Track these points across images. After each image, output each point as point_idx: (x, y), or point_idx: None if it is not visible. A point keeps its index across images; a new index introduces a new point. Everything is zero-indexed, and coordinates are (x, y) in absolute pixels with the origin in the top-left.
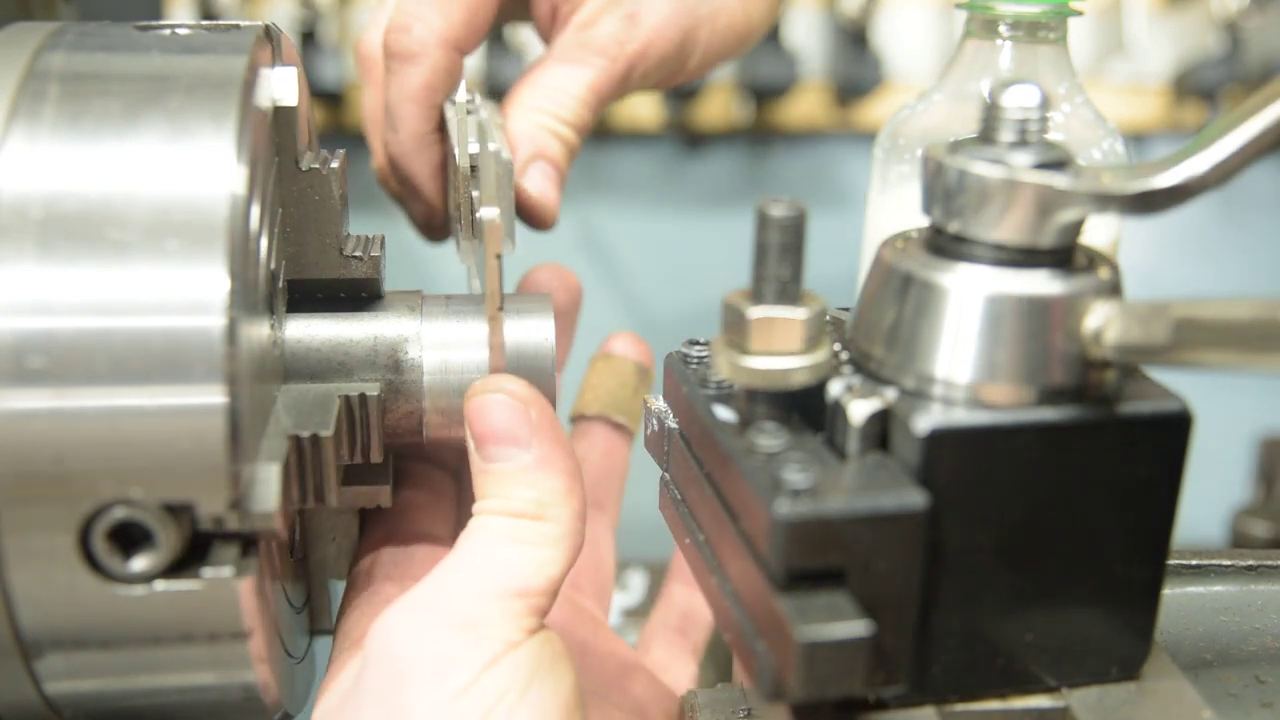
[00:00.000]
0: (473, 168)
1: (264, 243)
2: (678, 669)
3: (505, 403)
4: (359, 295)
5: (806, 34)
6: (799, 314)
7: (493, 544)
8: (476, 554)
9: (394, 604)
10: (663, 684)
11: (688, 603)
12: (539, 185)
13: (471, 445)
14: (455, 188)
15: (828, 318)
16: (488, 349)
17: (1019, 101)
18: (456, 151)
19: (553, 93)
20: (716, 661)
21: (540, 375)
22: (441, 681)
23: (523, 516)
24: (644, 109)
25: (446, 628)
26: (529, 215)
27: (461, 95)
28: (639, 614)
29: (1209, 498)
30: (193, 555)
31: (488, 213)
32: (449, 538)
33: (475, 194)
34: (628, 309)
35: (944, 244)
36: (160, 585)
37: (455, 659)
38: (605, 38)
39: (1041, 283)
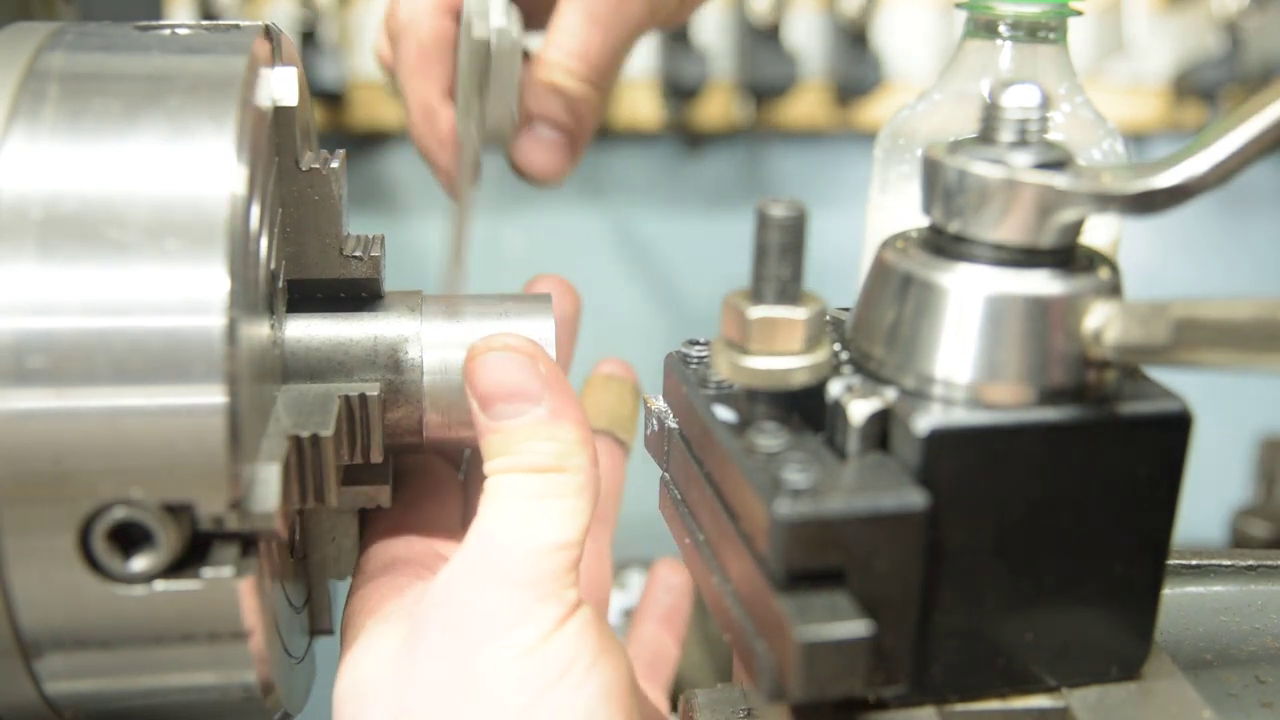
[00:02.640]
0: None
1: (264, 243)
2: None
3: (511, 358)
4: (359, 295)
5: (806, 34)
6: (799, 314)
7: (522, 502)
8: (509, 513)
9: (445, 569)
10: (656, 709)
11: (657, 642)
12: (534, 153)
13: (476, 407)
14: (458, 83)
15: (828, 318)
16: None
17: (1019, 101)
18: (460, 37)
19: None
20: (716, 661)
21: None
22: (511, 637)
23: (546, 470)
24: (644, 109)
25: (508, 585)
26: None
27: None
28: None
29: (1209, 498)
30: (193, 555)
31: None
32: (457, 529)
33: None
34: (628, 309)
35: (944, 244)
36: (160, 585)
37: (524, 615)
38: None
39: (1041, 283)
